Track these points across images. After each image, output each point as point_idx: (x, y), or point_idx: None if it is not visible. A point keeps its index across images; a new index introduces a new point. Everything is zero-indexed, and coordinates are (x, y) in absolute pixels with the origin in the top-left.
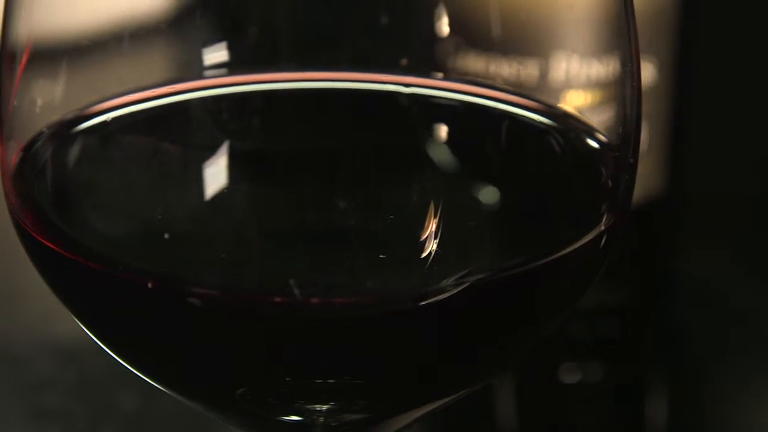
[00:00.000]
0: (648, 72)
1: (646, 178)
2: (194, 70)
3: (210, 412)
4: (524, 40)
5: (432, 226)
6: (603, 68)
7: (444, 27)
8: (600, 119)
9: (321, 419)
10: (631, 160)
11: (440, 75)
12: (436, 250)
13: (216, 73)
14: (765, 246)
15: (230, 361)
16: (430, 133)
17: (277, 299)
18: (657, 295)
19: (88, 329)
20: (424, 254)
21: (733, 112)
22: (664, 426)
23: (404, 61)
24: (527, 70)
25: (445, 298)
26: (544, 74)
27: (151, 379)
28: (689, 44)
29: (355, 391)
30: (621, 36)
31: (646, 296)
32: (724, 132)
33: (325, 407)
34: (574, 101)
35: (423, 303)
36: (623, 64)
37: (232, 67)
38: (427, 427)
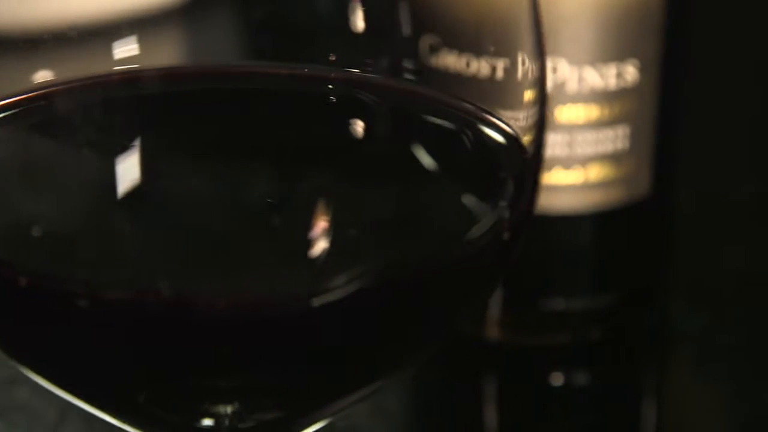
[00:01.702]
0: (629, 73)
1: (630, 179)
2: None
3: (117, 419)
4: (483, 39)
5: (332, 223)
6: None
7: (359, 22)
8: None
9: (226, 422)
10: (536, 160)
11: (358, 71)
12: (333, 248)
13: (126, 69)
14: (754, 247)
15: (118, 365)
16: (338, 129)
17: (167, 299)
18: (644, 297)
19: None
20: (322, 252)
21: (718, 113)
22: (653, 429)
23: (332, 57)
24: (488, 69)
25: (338, 297)
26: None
27: (49, 384)
28: (673, 45)
29: (251, 393)
30: (531, 38)
31: (632, 298)
32: (710, 132)
33: (228, 409)
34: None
35: (316, 302)
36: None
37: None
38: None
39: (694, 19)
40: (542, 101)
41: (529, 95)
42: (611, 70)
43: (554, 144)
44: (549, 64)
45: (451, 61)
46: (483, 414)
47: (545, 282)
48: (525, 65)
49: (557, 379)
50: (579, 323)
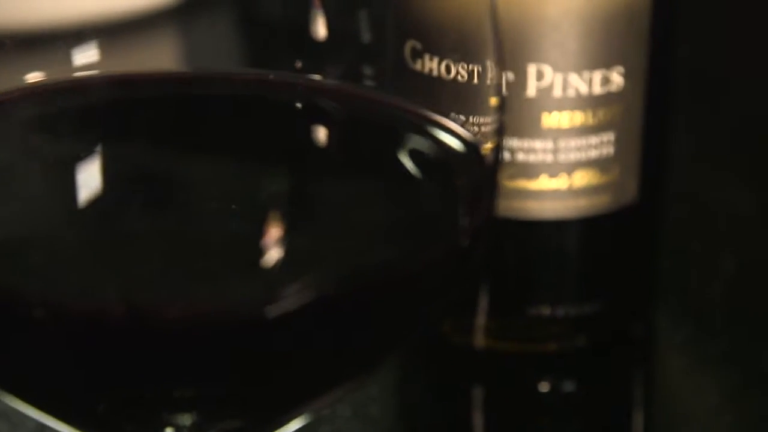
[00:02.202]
0: (615, 80)
1: (616, 186)
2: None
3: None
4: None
5: (288, 232)
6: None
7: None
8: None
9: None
10: (495, 166)
11: (320, 78)
12: (289, 257)
13: (80, 75)
14: (743, 254)
15: (73, 376)
16: (297, 137)
17: (119, 310)
18: (631, 304)
19: None
20: (277, 261)
21: (705, 119)
22: None
23: (299, 64)
24: (465, 74)
25: (293, 306)
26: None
27: (5, 395)
28: (659, 52)
29: (209, 402)
30: (494, 46)
31: (619, 306)
32: (697, 138)
33: (187, 419)
34: None
35: (271, 311)
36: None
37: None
38: None
39: (680, 25)
40: (501, 108)
41: (493, 101)
42: (597, 77)
43: (539, 150)
44: (533, 70)
45: (433, 65)
46: (469, 421)
47: (532, 289)
48: (491, 72)
49: (544, 387)
50: (566, 331)
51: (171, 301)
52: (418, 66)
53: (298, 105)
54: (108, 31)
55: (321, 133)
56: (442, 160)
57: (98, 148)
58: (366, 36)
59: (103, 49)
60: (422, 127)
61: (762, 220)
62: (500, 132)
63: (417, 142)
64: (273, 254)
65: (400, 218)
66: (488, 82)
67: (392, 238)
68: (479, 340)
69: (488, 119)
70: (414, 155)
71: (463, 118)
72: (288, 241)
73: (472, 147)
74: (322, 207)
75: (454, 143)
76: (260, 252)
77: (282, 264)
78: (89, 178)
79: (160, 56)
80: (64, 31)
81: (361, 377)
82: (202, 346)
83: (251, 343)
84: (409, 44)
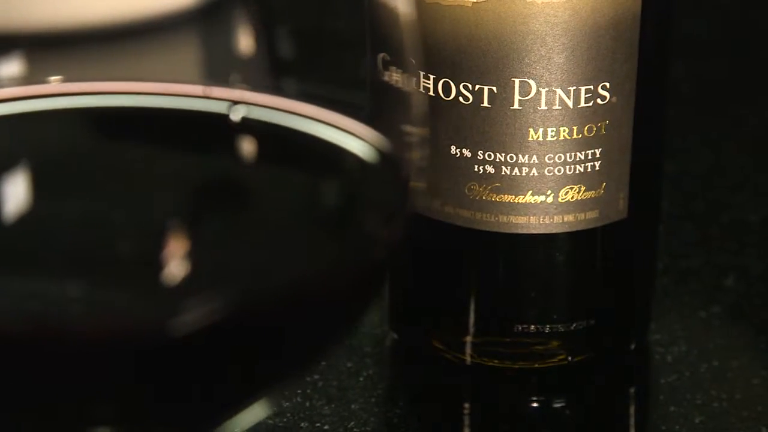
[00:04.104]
0: (602, 95)
1: (604, 201)
2: None
3: None
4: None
5: (195, 248)
6: None
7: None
8: None
9: None
10: (403, 181)
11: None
12: (196, 273)
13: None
14: (735, 271)
15: None
16: (209, 150)
17: (26, 327)
18: (621, 321)
19: None
20: (183, 277)
21: (694, 134)
22: None
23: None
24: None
25: (203, 322)
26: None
27: None
28: (647, 66)
29: (122, 418)
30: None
31: (609, 323)
32: (687, 154)
33: None
34: None
35: (172, 329)
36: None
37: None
38: None
39: (668, 39)
40: (421, 120)
41: (417, 113)
42: (583, 91)
43: (525, 165)
44: (517, 84)
45: (397, 77)
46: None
47: (519, 306)
48: (414, 84)
49: (534, 404)
50: (555, 348)
51: (77, 317)
52: (387, 77)
53: (215, 118)
54: (123, 35)
55: (235, 146)
56: (359, 173)
57: (8, 162)
58: (287, 51)
59: (118, 54)
60: (340, 139)
61: (760, 237)
62: (419, 144)
63: (333, 154)
64: (180, 270)
65: (314, 231)
66: (417, 93)
67: (306, 251)
68: (468, 356)
69: (417, 130)
70: (330, 168)
71: (416, 130)
72: (197, 256)
73: (390, 159)
74: (233, 221)
75: (372, 155)
76: (167, 268)
77: (190, 280)
78: None
79: (178, 61)
80: (81, 35)
81: (277, 389)
82: (110, 362)
83: (158, 359)
84: (380, 56)
